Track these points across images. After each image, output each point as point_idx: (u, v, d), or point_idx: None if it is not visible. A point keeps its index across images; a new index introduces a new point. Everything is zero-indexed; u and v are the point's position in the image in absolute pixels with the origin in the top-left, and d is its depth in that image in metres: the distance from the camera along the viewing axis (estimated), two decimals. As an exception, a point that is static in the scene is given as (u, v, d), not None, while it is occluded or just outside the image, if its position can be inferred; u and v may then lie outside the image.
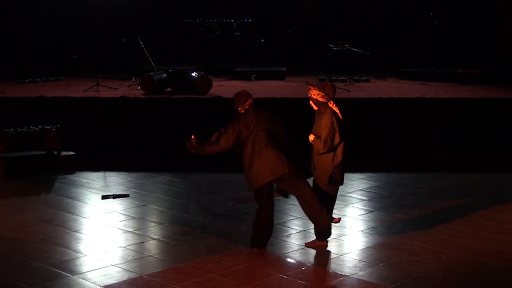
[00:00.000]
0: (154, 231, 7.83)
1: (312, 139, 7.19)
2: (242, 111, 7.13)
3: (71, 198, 9.08)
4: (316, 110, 7.26)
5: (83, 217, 8.31)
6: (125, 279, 6.45)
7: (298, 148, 7.33)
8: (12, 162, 10.26)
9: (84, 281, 6.39)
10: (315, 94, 7.15)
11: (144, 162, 10.97)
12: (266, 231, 7.20)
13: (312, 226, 7.94)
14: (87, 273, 6.56)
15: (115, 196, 9.12)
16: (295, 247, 7.30)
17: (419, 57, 15.54)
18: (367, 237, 7.60)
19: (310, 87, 7.19)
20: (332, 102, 7.15)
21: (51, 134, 10.57)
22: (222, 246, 7.27)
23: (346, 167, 7.35)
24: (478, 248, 7.25)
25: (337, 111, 7.13)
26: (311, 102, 7.25)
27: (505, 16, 15.15)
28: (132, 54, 14.47)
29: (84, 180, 9.98)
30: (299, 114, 12.09)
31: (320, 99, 7.13)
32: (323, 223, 7.12)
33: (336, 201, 8.84)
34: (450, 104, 12.16)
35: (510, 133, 11.97)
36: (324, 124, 7.08)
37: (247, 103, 7.13)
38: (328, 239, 7.36)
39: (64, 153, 10.69)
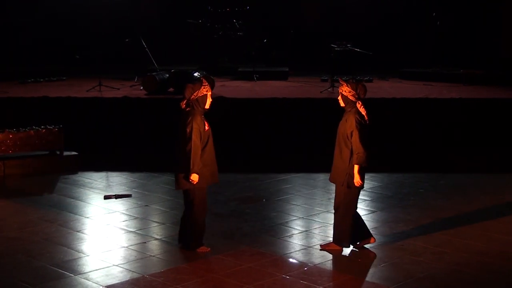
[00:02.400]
0: (156, 231, 7.83)
1: (357, 171, 6.91)
2: (183, 106, 6.96)
3: (73, 198, 9.08)
4: (343, 107, 7.06)
5: (85, 217, 8.31)
6: (127, 279, 6.44)
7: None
8: (15, 162, 10.27)
9: (87, 281, 6.39)
10: (346, 91, 6.97)
11: (146, 162, 10.97)
12: (203, 226, 7.18)
13: (314, 226, 7.96)
14: (90, 273, 6.56)
15: (117, 196, 9.12)
16: (297, 247, 7.29)
17: (421, 57, 15.51)
18: (369, 237, 7.59)
19: (342, 82, 7.02)
20: (360, 102, 6.98)
21: (54, 134, 10.59)
22: (224, 246, 7.26)
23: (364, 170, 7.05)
24: (482, 248, 7.24)
25: (364, 113, 6.97)
26: (339, 98, 7.06)
27: (509, 16, 15.10)
28: (135, 54, 14.48)
29: (87, 180, 9.99)
30: (301, 114, 12.15)
31: (350, 97, 6.95)
32: (186, 246, 7.13)
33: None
34: (454, 105, 12.14)
35: (513, 133, 11.96)
36: (354, 126, 6.88)
37: (192, 96, 6.91)
38: (330, 239, 7.37)
39: (66, 153, 10.70)
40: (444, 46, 15.25)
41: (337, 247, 7.17)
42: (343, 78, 7.19)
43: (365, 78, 14.33)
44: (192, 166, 6.83)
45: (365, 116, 6.99)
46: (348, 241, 7.14)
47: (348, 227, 7.10)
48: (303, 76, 15.10)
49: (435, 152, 11.71)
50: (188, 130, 6.85)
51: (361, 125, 6.91)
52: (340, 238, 7.15)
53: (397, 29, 15.99)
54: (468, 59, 15.02)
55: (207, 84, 7.00)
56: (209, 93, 6.99)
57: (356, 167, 6.90)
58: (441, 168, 10.87)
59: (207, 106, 6.98)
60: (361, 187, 7.08)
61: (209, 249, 7.12)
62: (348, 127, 6.94)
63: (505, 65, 14.56)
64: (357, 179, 6.91)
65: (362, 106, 6.98)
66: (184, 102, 6.94)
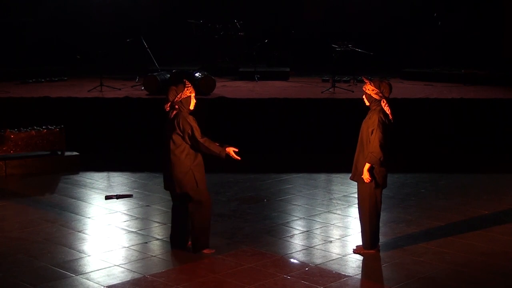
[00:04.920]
0: (157, 231, 7.83)
1: (367, 168, 6.79)
2: (168, 109, 6.90)
3: (74, 198, 9.09)
4: (368, 106, 6.98)
5: (86, 217, 8.32)
6: (128, 279, 6.45)
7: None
8: (16, 162, 10.28)
9: (88, 281, 6.40)
10: (369, 89, 6.91)
11: (147, 162, 10.97)
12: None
13: (316, 226, 7.96)
14: (91, 273, 6.57)
15: (118, 197, 9.13)
16: (298, 248, 7.29)
17: (423, 57, 15.51)
18: (370, 237, 7.58)
19: (366, 81, 6.95)
20: (385, 101, 6.89)
21: (55, 134, 10.60)
22: (225, 246, 7.27)
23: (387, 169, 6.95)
24: (483, 248, 7.23)
25: (388, 111, 6.88)
26: (364, 96, 6.99)
27: (511, 16, 15.10)
28: (136, 55, 14.48)
29: (88, 180, 9.99)
30: (302, 115, 12.15)
31: (374, 96, 6.88)
32: (193, 247, 7.07)
33: (339, 202, 8.88)
34: (454, 105, 12.14)
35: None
36: (376, 124, 6.78)
37: (176, 98, 6.87)
38: (331, 239, 7.37)
39: (68, 153, 10.72)
40: (445, 47, 15.25)
41: (366, 251, 7.04)
42: (366, 77, 7.09)
43: (368, 78, 14.32)
44: (217, 151, 6.76)
45: (390, 115, 6.90)
46: (371, 244, 7.00)
47: (371, 228, 6.97)
48: (304, 76, 15.11)
49: (436, 152, 11.70)
50: (188, 130, 6.80)
51: (384, 125, 6.81)
52: (365, 241, 7.03)
53: (398, 30, 16.00)
54: (469, 59, 15.02)
55: (190, 85, 6.97)
56: (192, 94, 6.97)
57: (367, 165, 6.81)
58: (442, 168, 10.87)
59: (191, 107, 6.97)
60: (384, 186, 6.98)
61: (214, 250, 7.09)
62: (370, 124, 6.85)
63: (507, 65, 14.56)
64: (366, 176, 6.81)
65: (387, 105, 6.89)
66: (168, 104, 6.92)
